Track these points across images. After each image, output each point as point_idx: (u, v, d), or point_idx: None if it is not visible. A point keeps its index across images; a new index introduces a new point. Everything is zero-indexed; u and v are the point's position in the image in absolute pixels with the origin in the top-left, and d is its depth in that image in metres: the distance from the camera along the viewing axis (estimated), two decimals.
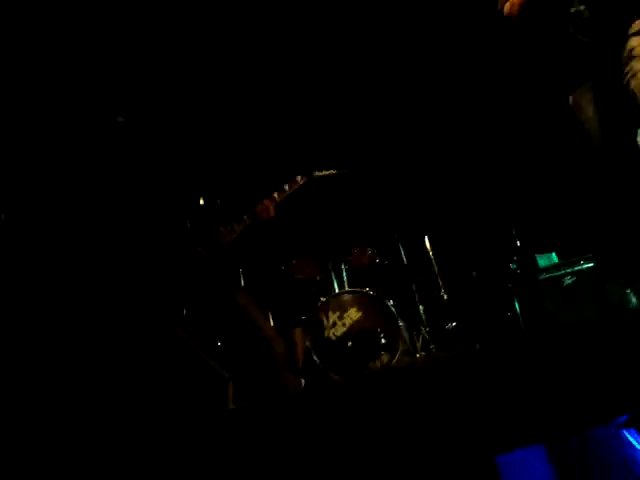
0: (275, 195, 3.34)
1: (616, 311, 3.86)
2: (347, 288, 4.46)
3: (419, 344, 4.44)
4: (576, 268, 4.23)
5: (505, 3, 2.84)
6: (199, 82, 4.50)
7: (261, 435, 2.14)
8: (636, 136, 2.73)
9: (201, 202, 3.35)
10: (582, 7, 2.71)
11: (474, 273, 4.78)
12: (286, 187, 3.39)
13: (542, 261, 4.41)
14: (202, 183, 3.42)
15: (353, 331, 4.20)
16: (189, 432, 2.10)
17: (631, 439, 2.02)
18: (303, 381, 4.18)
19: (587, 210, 4.36)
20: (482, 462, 2.06)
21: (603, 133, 2.78)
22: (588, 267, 4.23)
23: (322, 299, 4.33)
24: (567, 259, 4.34)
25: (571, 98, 2.90)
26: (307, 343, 4.17)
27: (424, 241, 4.75)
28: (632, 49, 2.65)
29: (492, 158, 5.07)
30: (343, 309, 4.27)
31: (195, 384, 2.90)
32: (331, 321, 4.25)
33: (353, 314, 4.26)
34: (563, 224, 4.71)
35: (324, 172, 3.54)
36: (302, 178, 3.43)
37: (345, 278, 4.52)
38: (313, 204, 4.66)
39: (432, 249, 4.72)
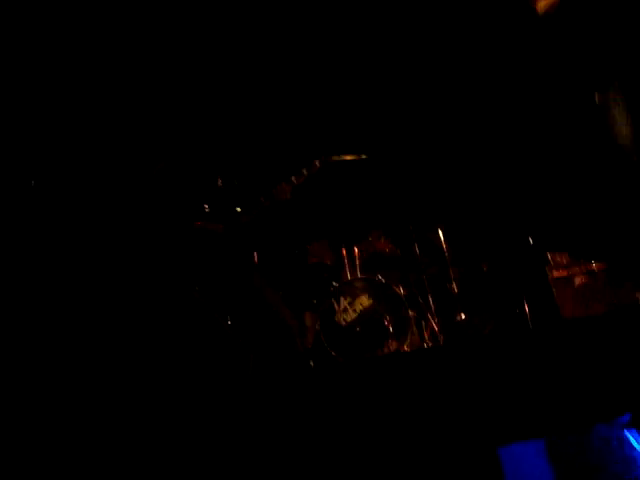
0: (293, 178, 3.37)
1: (624, 311, 3.87)
2: (359, 275, 4.50)
3: (427, 335, 4.48)
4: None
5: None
6: (222, 63, 4.52)
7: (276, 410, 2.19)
8: None
9: (219, 183, 3.39)
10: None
11: (485, 267, 4.79)
12: (304, 171, 3.42)
13: None
14: (221, 164, 3.45)
15: (363, 318, 4.25)
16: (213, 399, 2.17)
17: (632, 439, 2.05)
18: (312, 362, 4.24)
19: (602, 212, 4.36)
20: (485, 452, 2.10)
21: (630, 134, 2.75)
22: (600, 269, 4.24)
23: (334, 284, 4.38)
24: (579, 258, 4.35)
25: (597, 95, 2.86)
26: (317, 326, 4.23)
27: (438, 233, 4.78)
28: None
29: (511, 154, 5.06)
30: (354, 295, 4.32)
31: (219, 354, 2.96)
32: (342, 306, 4.30)
33: (364, 301, 4.31)
34: (577, 224, 4.70)
35: (342, 157, 3.55)
36: (320, 162, 3.46)
37: (358, 264, 4.56)
38: (330, 188, 4.69)
39: (445, 241, 4.75)
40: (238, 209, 3.38)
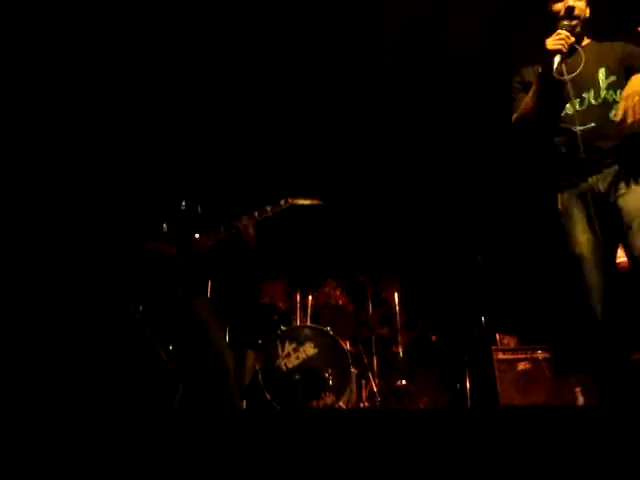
0: (255, 214, 3.36)
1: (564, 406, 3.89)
2: (309, 323, 4.50)
3: (365, 394, 4.46)
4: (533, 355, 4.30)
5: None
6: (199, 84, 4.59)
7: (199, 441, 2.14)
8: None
9: (182, 206, 3.39)
10: None
11: (434, 338, 4.83)
12: (268, 208, 3.41)
13: None
14: (188, 187, 3.46)
15: (304, 366, 4.22)
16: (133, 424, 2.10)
17: None
18: (245, 402, 4.18)
19: (552, 302, 4.44)
20: None
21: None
22: (544, 358, 4.29)
23: (282, 328, 4.35)
24: (526, 344, 4.41)
25: (559, 199, 2.84)
26: (257, 367, 4.18)
27: (394, 295, 4.82)
28: None
29: (474, 235, 5.18)
30: (300, 342, 4.29)
31: (147, 377, 2.89)
32: (286, 351, 4.27)
33: (309, 349, 4.28)
34: (527, 310, 4.78)
35: (305, 201, 3.55)
36: (285, 202, 3.45)
37: (309, 312, 4.56)
38: (294, 231, 4.70)
39: (400, 305, 4.78)
40: (197, 235, 3.38)
